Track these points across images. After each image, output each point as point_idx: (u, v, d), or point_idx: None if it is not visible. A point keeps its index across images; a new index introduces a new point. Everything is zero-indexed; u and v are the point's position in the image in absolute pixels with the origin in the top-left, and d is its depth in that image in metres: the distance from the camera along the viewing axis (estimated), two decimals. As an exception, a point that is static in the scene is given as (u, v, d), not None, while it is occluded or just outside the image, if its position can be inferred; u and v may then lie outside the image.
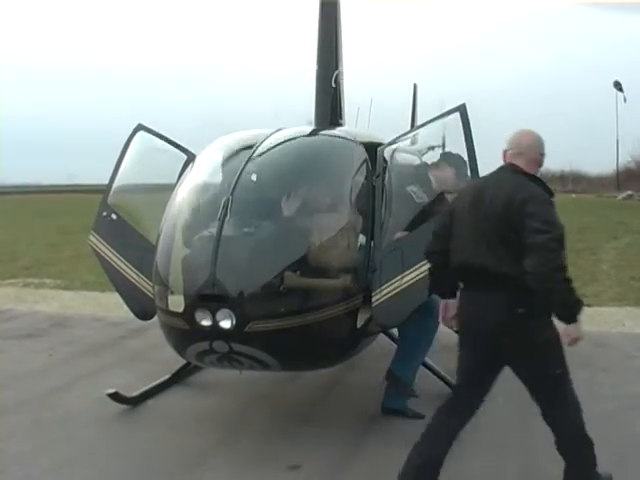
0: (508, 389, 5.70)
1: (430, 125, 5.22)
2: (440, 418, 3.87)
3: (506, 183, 3.70)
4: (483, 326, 3.64)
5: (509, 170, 3.78)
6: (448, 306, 4.01)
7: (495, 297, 3.56)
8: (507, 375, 6.24)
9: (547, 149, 3.94)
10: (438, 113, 5.14)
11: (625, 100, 50.26)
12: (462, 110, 4.83)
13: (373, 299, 4.61)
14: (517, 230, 3.50)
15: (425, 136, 5.52)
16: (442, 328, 7.24)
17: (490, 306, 3.59)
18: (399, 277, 4.55)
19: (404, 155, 5.54)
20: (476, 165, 4.78)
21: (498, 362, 3.79)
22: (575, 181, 62.93)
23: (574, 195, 46.46)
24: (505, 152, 3.86)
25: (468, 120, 4.80)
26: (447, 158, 5.24)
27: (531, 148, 3.81)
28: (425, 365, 5.50)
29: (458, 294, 3.92)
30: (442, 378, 5.51)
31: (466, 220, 3.75)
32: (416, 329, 5.03)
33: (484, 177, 4.10)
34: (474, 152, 4.78)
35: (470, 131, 4.78)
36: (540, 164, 3.87)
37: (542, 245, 3.39)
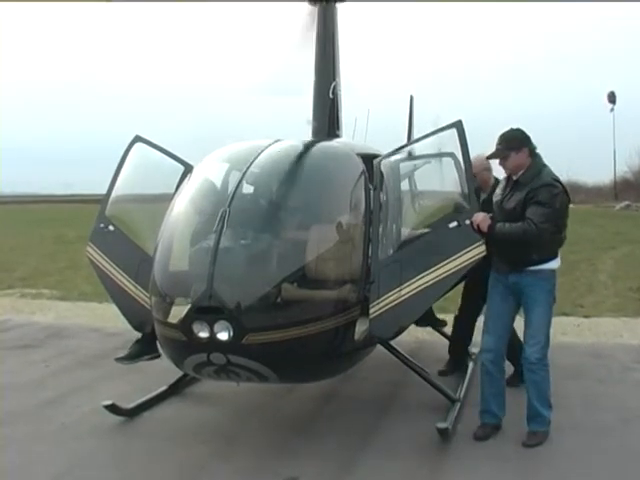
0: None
1: (426, 140, 5.24)
2: None
3: None
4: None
5: None
6: None
7: None
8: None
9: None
10: (433, 127, 5.20)
11: (612, 110, 50.79)
12: (458, 126, 4.86)
13: (371, 311, 4.60)
14: None
15: (421, 151, 5.54)
16: (439, 341, 7.28)
17: None
18: (397, 289, 4.55)
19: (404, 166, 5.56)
20: (472, 181, 4.81)
21: None
22: (573, 191, 62.53)
23: (572, 205, 46.38)
24: (484, 170, 5.92)
25: (465, 136, 4.83)
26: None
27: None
28: (423, 377, 5.50)
29: None
30: (438, 388, 5.50)
31: None
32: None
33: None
34: (471, 167, 4.81)
35: (467, 147, 4.81)
36: None
37: None
